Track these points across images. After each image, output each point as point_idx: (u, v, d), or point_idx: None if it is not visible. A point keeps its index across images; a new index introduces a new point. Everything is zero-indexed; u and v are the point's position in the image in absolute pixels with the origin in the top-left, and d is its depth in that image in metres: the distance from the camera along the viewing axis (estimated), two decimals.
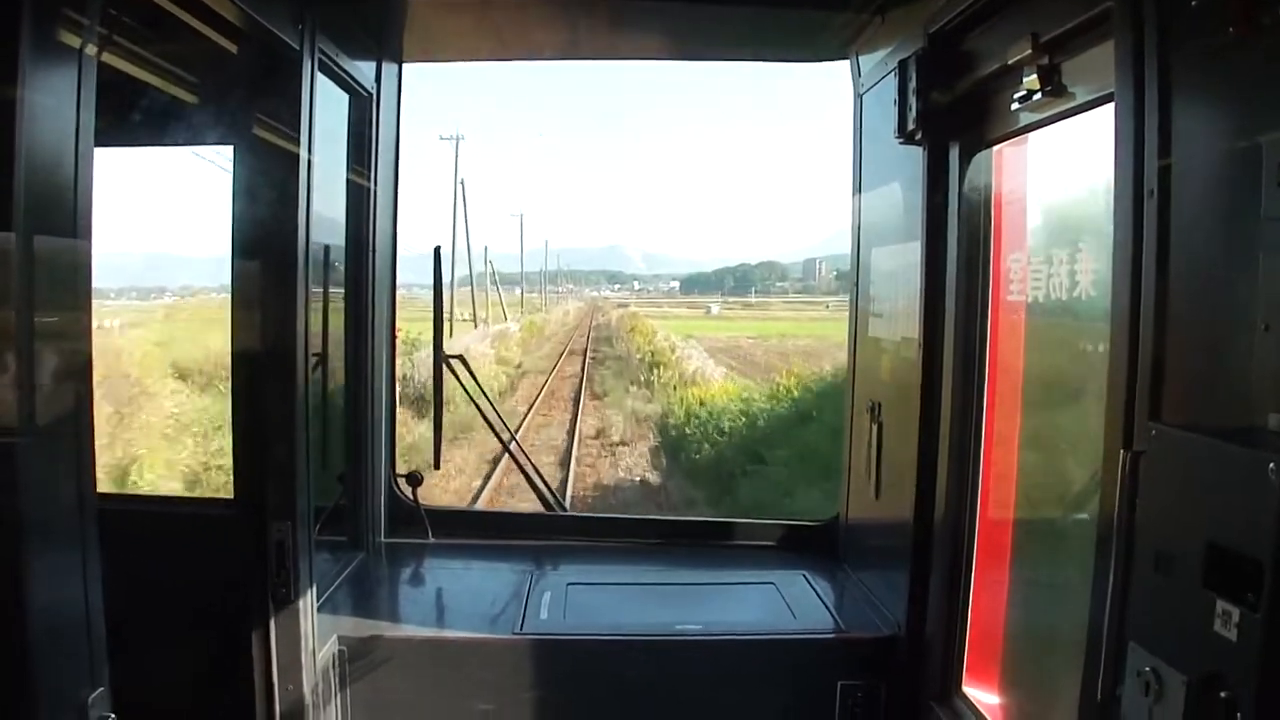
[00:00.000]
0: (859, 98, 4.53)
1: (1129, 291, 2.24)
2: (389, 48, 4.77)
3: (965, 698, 3.49)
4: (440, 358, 4.88)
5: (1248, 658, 1.72)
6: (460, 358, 4.98)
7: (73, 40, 2.14)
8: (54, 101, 2.10)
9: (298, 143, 3.49)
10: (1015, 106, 3.02)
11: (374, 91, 4.62)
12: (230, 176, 3.68)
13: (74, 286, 2.20)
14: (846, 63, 4.64)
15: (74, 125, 2.15)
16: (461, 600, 4.46)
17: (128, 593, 2.49)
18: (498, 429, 5.35)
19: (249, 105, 3.58)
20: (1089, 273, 2.92)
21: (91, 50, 2.18)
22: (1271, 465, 1.67)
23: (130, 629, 2.48)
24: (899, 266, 3.98)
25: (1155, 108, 2.18)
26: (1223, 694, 1.78)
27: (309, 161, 3.53)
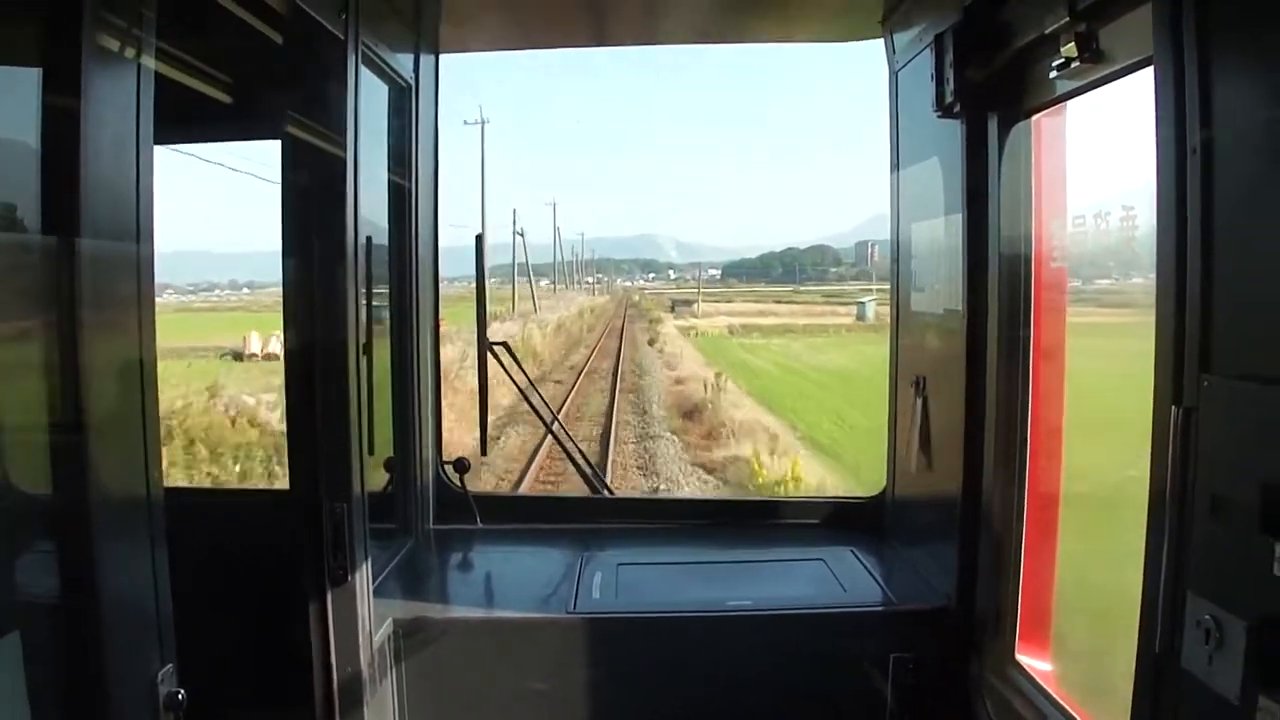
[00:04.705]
0: (894, 74, 4.53)
1: (1174, 248, 2.25)
2: (426, 38, 4.80)
3: (1019, 666, 3.49)
4: (484, 345, 4.92)
5: None
6: (504, 344, 5.02)
7: (131, 50, 2.18)
8: (114, 111, 2.14)
9: (344, 135, 3.51)
10: (1054, 75, 3.02)
11: (413, 82, 4.65)
12: (280, 170, 3.73)
13: (137, 285, 2.23)
14: (880, 41, 4.63)
15: (134, 131, 2.19)
16: (513, 582, 4.53)
17: (192, 579, 2.56)
18: (543, 414, 5.40)
19: (295, 99, 3.62)
20: (1131, 236, 2.93)
21: (149, 61, 2.23)
22: None
23: (194, 613, 2.55)
24: (939, 240, 3.99)
25: (1195, 67, 2.20)
26: None
27: (355, 153, 3.55)
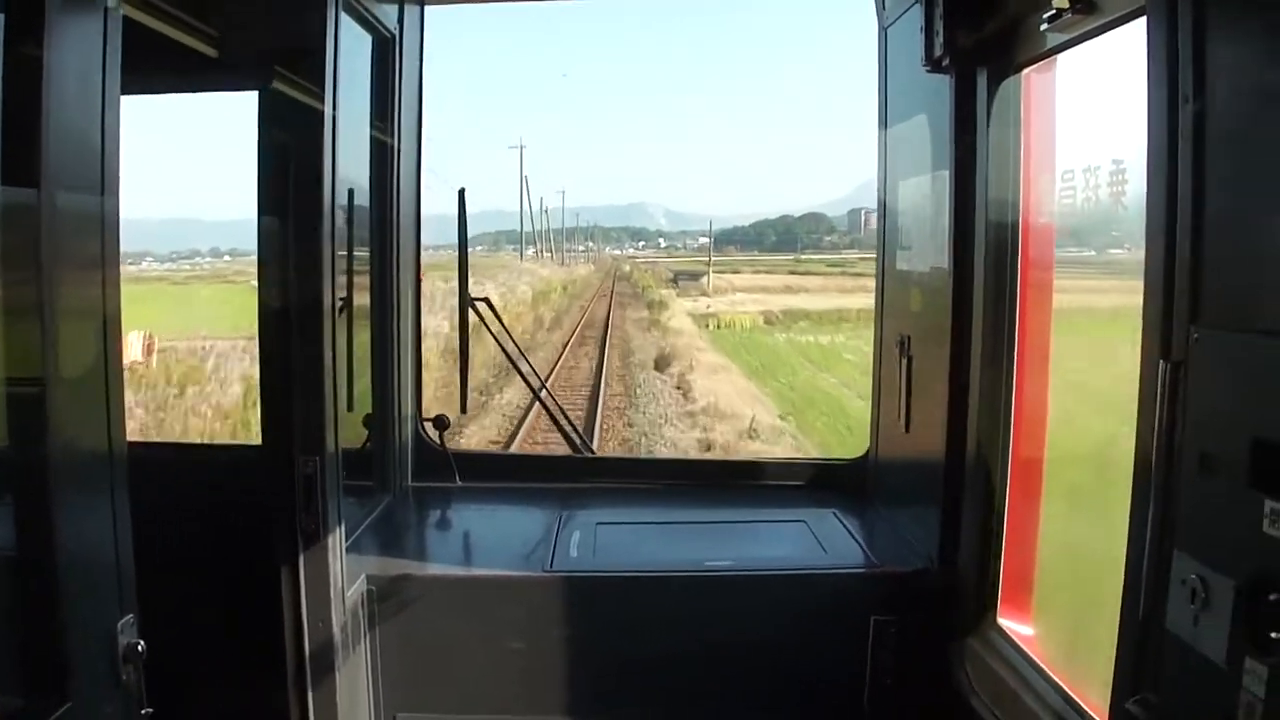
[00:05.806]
0: (884, 30, 4.46)
1: (1164, 198, 2.20)
2: None
3: (1000, 629, 3.48)
4: (465, 300, 4.86)
5: None
6: (486, 300, 4.96)
7: None
8: (78, 57, 2.10)
9: (323, 85, 3.45)
10: (1044, 27, 2.97)
11: (396, 34, 4.57)
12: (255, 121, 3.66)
13: (101, 241, 2.21)
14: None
15: (100, 77, 2.15)
16: (490, 541, 4.50)
17: (160, 535, 2.54)
18: (525, 373, 5.35)
19: (274, 48, 3.54)
20: (1120, 191, 2.88)
21: (115, 3, 2.18)
22: None
23: (163, 569, 2.53)
24: (926, 197, 3.94)
25: (1190, 14, 2.14)
26: (1272, 596, 1.76)
27: (334, 104, 3.50)
